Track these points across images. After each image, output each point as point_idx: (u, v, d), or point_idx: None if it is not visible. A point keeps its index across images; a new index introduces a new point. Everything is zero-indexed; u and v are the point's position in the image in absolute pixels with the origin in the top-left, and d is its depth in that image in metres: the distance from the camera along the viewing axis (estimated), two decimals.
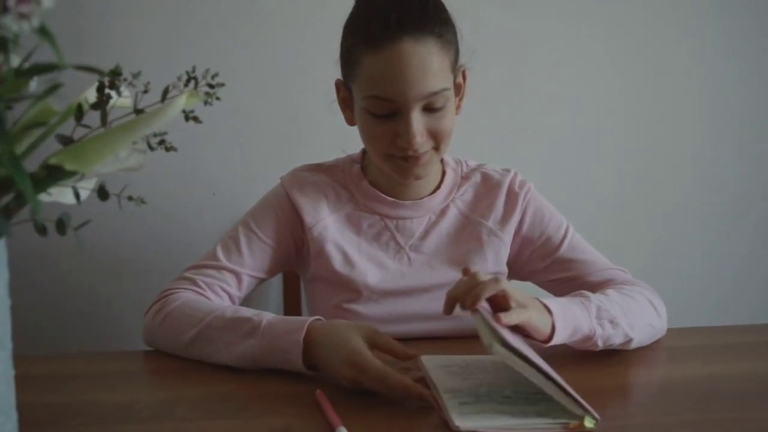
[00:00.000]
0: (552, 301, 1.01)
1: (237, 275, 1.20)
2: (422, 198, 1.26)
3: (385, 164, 1.17)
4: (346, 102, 1.20)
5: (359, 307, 1.20)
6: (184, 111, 0.80)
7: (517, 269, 1.30)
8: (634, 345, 1.09)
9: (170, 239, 1.61)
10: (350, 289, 1.21)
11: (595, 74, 1.77)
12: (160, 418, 0.86)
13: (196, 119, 0.81)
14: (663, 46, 1.78)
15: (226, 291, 1.19)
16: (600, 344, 1.05)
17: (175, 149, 0.81)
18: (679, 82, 1.80)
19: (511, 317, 0.91)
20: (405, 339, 1.04)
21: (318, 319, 1.01)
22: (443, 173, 1.29)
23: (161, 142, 0.81)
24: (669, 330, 1.17)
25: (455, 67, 1.16)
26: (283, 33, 1.63)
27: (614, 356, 1.06)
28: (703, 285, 1.86)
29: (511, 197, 1.28)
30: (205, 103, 0.80)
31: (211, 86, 0.81)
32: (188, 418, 0.86)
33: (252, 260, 1.22)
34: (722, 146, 1.84)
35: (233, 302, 1.20)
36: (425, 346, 1.00)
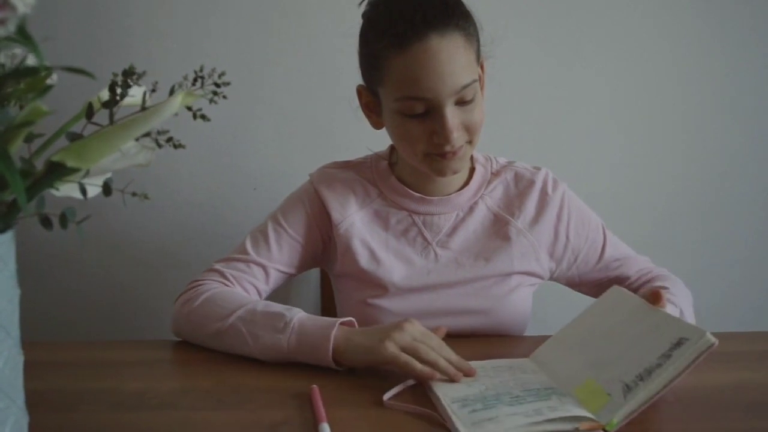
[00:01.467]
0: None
1: (265, 270, 1.22)
2: (450, 194, 1.25)
3: (422, 163, 1.16)
4: (370, 107, 1.20)
5: (384, 303, 1.21)
6: (190, 108, 0.82)
7: (571, 276, 1.31)
8: None
9: (212, 233, 1.65)
10: (376, 285, 1.22)
11: (610, 73, 1.75)
12: (168, 407, 0.88)
13: (204, 117, 0.83)
14: (684, 45, 1.75)
15: (253, 285, 1.21)
16: None
17: (183, 146, 0.83)
18: (699, 83, 1.77)
19: None
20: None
21: (350, 320, 1.05)
22: (472, 169, 1.28)
23: (169, 140, 0.83)
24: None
25: (478, 58, 1.15)
26: (323, 30, 1.65)
27: None
28: (711, 287, 1.83)
29: (544, 198, 1.27)
30: (210, 101, 0.81)
31: (217, 85, 0.82)
32: (194, 408, 0.88)
33: (280, 255, 1.24)
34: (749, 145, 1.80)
35: (260, 297, 1.23)
36: (449, 342, 1.00)
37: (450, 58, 1.07)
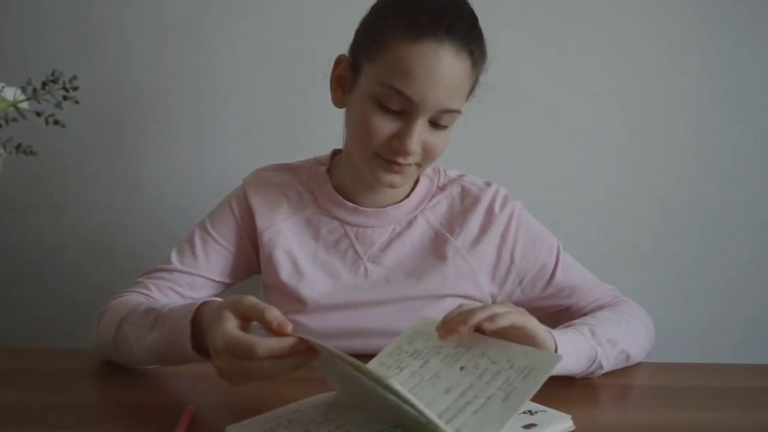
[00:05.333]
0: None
1: (191, 277, 1.18)
2: (386, 207, 1.18)
3: (367, 161, 1.08)
4: (341, 81, 1.12)
5: (303, 319, 1.14)
6: (39, 114, 0.79)
7: (518, 302, 1.22)
8: (633, 362, 1.10)
9: (179, 237, 1.62)
10: (295, 300, 1.16)
11: (593, 76, 1.65)
12: (25, 423, 0.85)
13: (57, 123, 0.80)
14: (683, 46, 1.65)
15: (176, 292, 1.17)
16: (604, 364, 1.02)
17: (34, 153, 0.80)
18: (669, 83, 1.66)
19: (503, 319, 0.87)
20: (353, 354, 0.90)
21: (211, 300, 0.90)
22: (416, 181, 1.21)
23: (18, 147, 0.80)
24: (648, 365, 1.13)
25: (470, 93, 1.09)
26: (290, 33, 1.60)
27: (574, 391, 0.98)
28: (709, 296, 1.74)
29: (489, 218, 1.19)
30: (57, 105, 0.78)
31: (66, 90, 0.79)
32: (49, 425, 0.84)
33: (207, 263, 1.19)
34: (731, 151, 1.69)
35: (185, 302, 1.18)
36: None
37: (452, 75, 1.01)
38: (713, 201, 1.70)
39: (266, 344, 0.78)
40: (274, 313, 0.79)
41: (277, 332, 0.79)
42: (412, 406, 0.71)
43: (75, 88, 0.78)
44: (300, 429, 0.81)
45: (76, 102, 0.78)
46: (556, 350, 0.93)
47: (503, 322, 0.87)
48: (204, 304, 0.90)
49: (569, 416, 0.85)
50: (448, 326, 0.87)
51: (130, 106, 1.63)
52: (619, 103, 1.66)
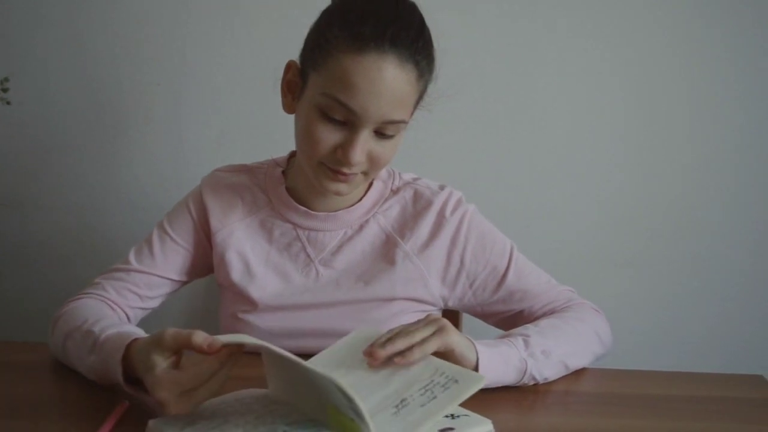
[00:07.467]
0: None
1: (148, 276, 1.20)
2: (337, 211, 1.20)
3: (314, 170, 1.09)
4: (291, 86, 1.13)
5: (253, 319, 1.17)
6: None
7: (470, 305, 1.23)
8: (574, 369, 1.11)
9: None
10: (246, 300, 1.18)
11: (594, 76, 1.66)
12: None
13: None
14: (685, 43, 1.64)
15: (134, 292, 1.19)
16: (537, 376, 1.02)
17: None
18: (668, 88, 1.66)
19: (427, 345, 0.91)
20: (301, 354, 0.90)
21: (138, 339, 0.92)
22: (369, 185, 1.22)
23: None
24: (595, 371, 1.12)
25: (417, 103, 1.09)
26: (267, 33, 1.62)
27: (506, 396, 0.99)
28: (707, 304, 1.73)
29: (440, 221, 1.19)
30: None
31: None
32: None
33: (165, 262, 1.21)
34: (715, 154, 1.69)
35: (143, 302, 1.20)
36: None
37: (395, 86, 1.01)
38: (712, 205, 1.70)
39: (208, 366, 0.81)
40: (200, 337, 0.81)
41: (210, 352, 0.81)
42: (351, 401, 0.73)
43: (5, 90, 0.80)
44: (220, 420, 0.82)
45: (8, 103, 0.81)
46: (477, 364, 0.96)
47: (429, 349, 0.91)
48: (134, 342, 0.92)
49: (489, 421, 0.85)
50: (374, 354, 0.90)
51: (113, 106, 1.66)
52: (617, 104, 1.66)
